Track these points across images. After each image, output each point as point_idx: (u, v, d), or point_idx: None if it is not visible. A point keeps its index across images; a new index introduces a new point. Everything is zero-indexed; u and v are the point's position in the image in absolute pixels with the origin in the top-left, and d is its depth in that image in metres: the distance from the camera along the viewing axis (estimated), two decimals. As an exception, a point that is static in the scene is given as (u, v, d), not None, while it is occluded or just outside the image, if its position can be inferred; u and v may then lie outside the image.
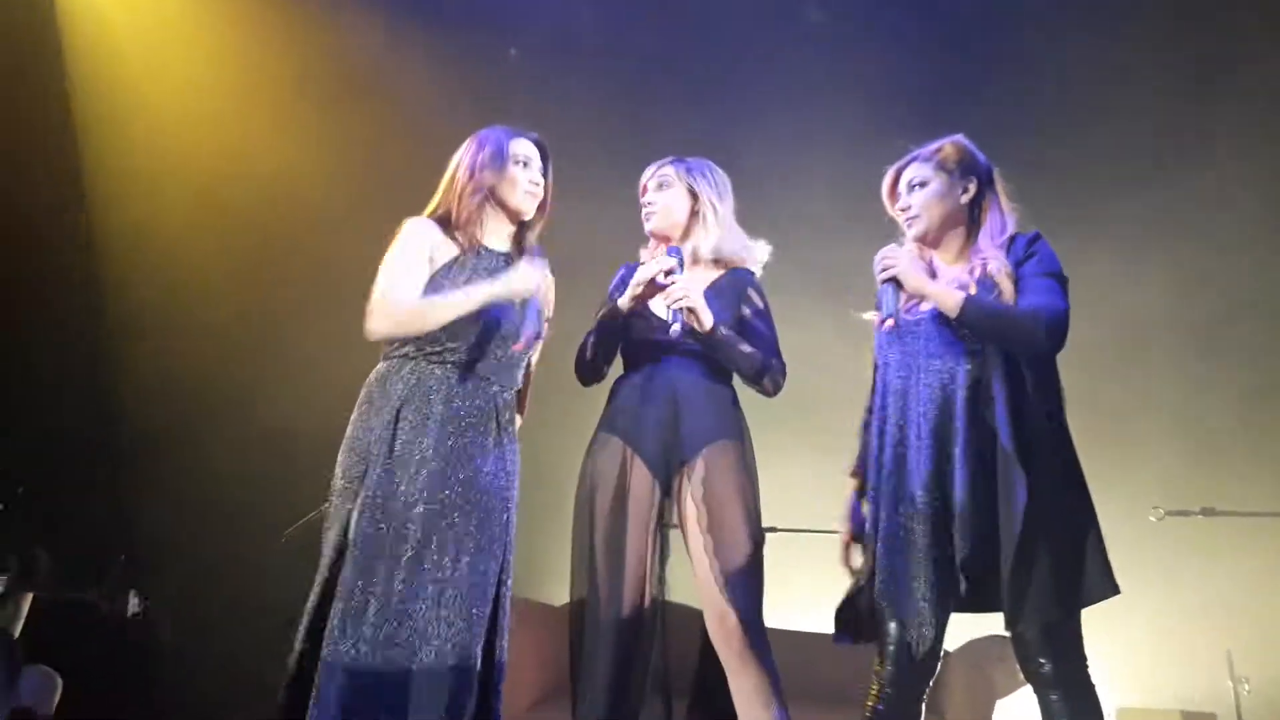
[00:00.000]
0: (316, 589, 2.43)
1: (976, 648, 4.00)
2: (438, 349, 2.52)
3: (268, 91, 5.41)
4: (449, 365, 2.52)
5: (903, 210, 2.50)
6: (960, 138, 2.55)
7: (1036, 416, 2.31)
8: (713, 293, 2.71)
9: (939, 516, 2.30)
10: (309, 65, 5.39)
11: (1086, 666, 2.32)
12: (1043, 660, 2.28)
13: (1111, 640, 4.93)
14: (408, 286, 2.51)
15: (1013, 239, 2.45)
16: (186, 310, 5.23)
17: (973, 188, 2.49)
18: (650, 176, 2.84)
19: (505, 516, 2.52)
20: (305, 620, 2.42)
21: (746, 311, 2.74)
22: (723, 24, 5.45)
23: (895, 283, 2.38)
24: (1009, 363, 2.32)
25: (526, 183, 2.65)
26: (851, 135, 4.60)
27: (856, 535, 2.52)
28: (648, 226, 2.83)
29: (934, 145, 2.55)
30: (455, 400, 2.50)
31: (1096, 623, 4.73)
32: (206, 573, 4.90)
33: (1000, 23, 5.25)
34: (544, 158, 2.72)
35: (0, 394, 4.84)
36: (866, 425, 2.56)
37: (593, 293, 2.96)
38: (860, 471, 2.55)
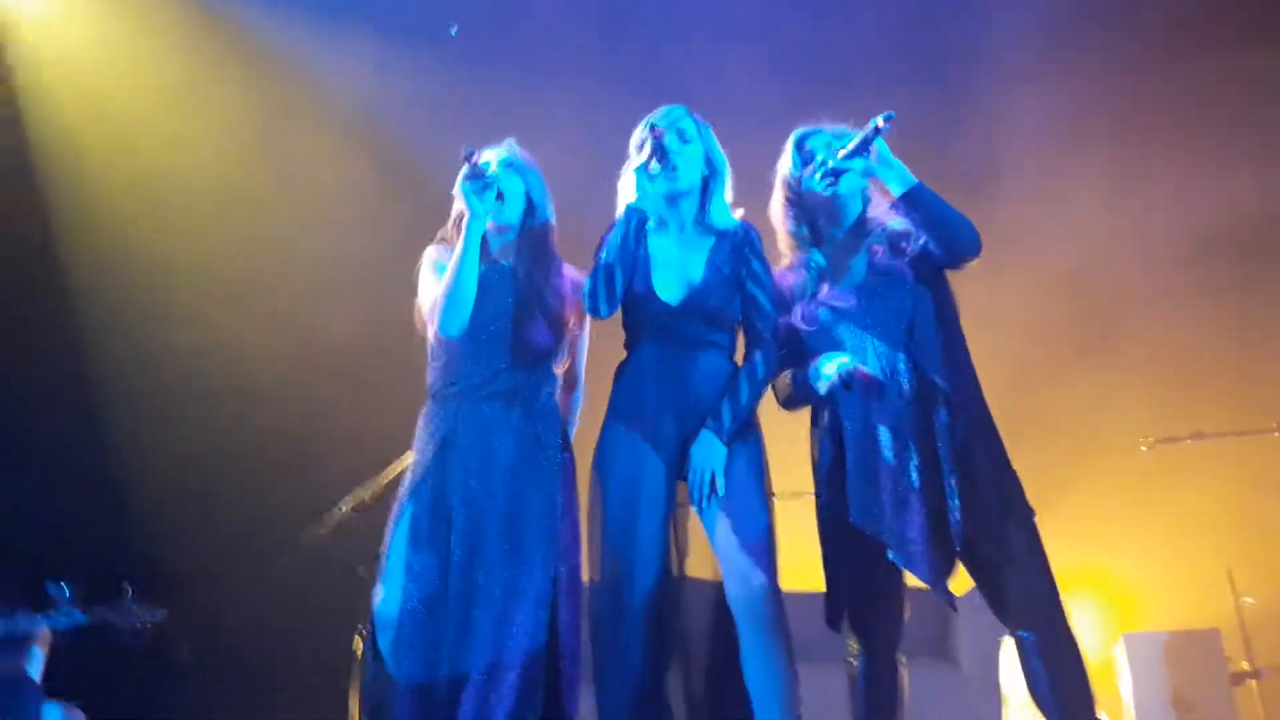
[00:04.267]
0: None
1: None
2: (460, 386, 2.72)
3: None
4: (479, 399, 2.70)
5: (828, 174, 2.61)
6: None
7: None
8: (717, 260, 2.72)
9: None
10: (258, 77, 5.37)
11: (1063, 614, 2.45)
12: (1016, 603, 2.44)
13: (1113, 569, 5.07)
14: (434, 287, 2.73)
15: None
16: (168, 326, 5.23)
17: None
18: (665, 120, 2.67)
19: (552, 526, 2.66)
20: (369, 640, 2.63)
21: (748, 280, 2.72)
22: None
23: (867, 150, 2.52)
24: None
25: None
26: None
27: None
28: (673, 182, 2.69)
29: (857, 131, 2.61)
30: (493, 431, 2.68)
31: (1099, 553, 4.89)
32: (217, 590, 4.92)
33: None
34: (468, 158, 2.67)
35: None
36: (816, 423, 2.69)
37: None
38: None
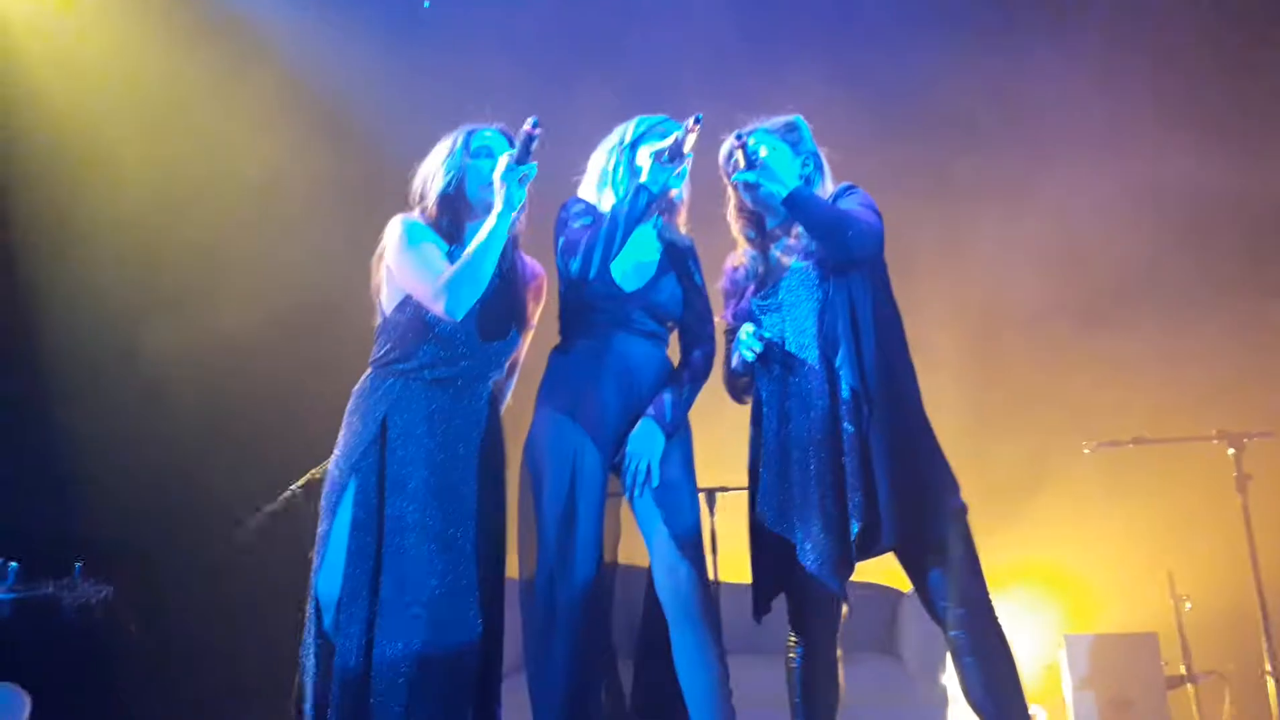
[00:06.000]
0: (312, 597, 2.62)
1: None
2: (411, 364, 2.65)
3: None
4: (427, 381, 2.64)
5: (747, 182, 2.64)
6: (800, 117, 2.75)
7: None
8: (668, 261, 2.78)
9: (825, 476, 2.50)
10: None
11: (993, 613, 2.46)
12: (946, 603, 2.45)
13: (1055, 570, 5.14)
14: (438, 263, 2.60)
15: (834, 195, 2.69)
16: (121, 299, 5.17)
17: (810, 163, 2.71)
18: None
19: (483, 519, 2.64)
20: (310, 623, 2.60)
21: (690, 289, 2.80)
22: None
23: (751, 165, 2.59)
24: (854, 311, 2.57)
25: (486, 175, 2.64)
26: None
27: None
28: (682, 190, 2.79)
29: (780, 120, 2.73)
30: (436, 415, 2.63)
31: (1042, 554, 4.97)
32: (163, 566, 4.88)
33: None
34: (511, 146, 2.64)
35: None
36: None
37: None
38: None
